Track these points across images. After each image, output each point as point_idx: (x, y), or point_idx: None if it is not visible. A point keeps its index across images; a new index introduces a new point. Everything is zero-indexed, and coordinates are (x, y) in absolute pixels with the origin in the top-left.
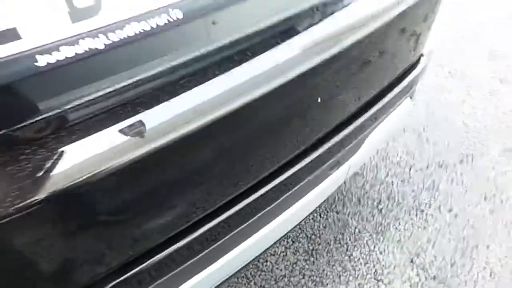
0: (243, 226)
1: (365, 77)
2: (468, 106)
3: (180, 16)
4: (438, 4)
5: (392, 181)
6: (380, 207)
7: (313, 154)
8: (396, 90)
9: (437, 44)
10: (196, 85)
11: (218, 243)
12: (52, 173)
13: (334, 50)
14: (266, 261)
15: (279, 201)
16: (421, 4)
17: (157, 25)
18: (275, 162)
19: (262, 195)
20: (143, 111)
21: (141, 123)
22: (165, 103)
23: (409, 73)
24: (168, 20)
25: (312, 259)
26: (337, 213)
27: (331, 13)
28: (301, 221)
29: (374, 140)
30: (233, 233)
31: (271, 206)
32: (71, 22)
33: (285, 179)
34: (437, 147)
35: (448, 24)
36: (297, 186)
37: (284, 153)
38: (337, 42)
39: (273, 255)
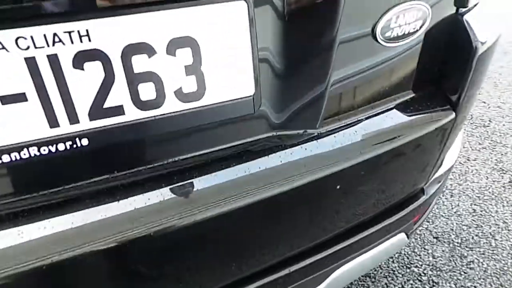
0: None
1: (349, 203)
2: None
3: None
4: (450, 135)
5: None
6: None
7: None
8: (386, 222)
9: (500, 149)
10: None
11: None
12: None
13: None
14: None
15: None
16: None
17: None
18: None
19: None
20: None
21: None
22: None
23: (404, 207)
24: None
25: None
26: None
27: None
28: None
29: (352, 268)
30: None
31: None
32: None
33: None
34: (472, 269)
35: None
36: None
37: None
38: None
39: None
